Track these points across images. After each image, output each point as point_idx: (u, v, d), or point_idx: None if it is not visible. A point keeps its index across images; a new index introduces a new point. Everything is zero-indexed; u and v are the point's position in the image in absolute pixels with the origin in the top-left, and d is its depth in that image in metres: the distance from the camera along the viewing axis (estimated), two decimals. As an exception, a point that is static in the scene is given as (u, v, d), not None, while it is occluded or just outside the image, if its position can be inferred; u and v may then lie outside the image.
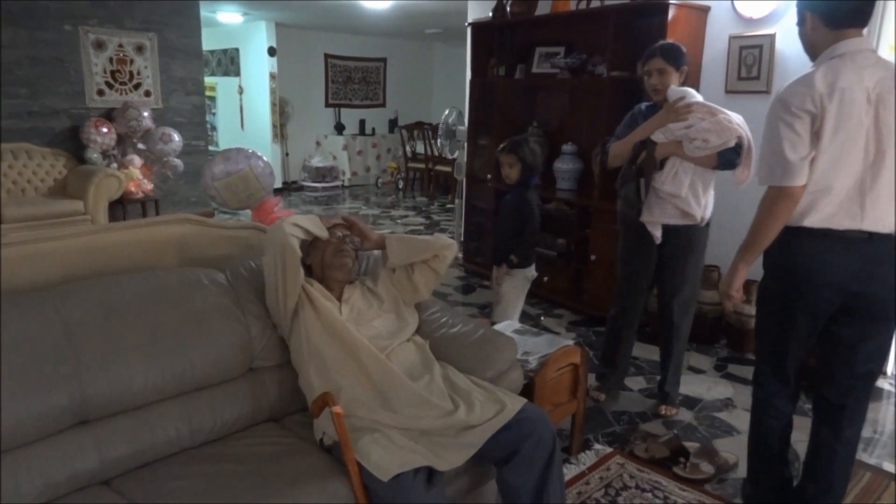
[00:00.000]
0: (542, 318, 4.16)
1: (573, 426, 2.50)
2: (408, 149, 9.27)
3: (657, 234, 2.68)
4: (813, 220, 1.82)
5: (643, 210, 2.66)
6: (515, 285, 3.00)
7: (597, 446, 2.58)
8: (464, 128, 5.33)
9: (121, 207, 5.85)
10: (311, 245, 2.02)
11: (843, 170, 1.77)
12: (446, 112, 5.72)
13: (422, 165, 9.13)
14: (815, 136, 1.76)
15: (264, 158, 3.44)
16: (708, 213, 2.68)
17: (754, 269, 3.19)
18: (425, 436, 1.70)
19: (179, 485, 1.62)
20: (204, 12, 7.09)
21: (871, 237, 1.81)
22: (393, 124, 10.33)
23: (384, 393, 1.80)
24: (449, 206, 8.14)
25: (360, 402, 1.79)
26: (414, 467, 1.57)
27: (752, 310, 3.52)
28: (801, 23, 1.90)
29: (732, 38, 3.64)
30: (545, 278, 4.43)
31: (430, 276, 2.11)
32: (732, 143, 2.50)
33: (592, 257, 4.07)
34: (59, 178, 5.64)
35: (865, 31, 1.84)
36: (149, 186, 6.12)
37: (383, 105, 10.55)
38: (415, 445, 1.66)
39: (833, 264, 1.82)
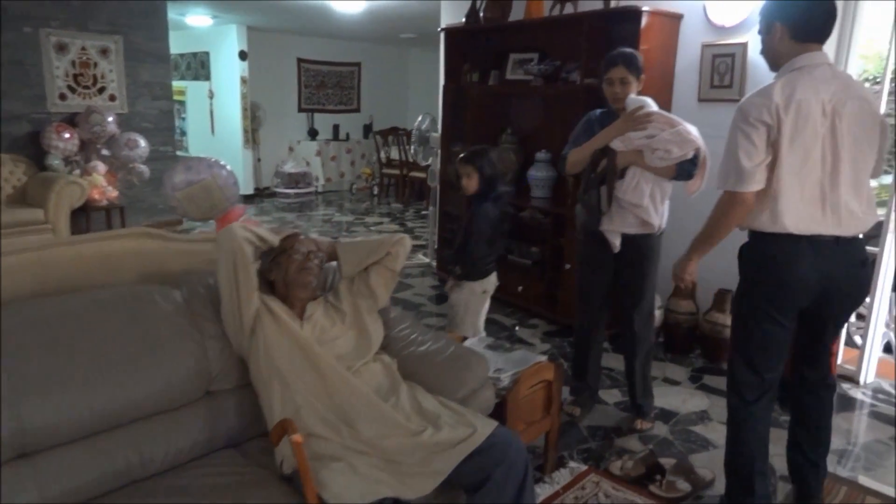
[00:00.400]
0: (517, 328, 4.10)
1: (547, 444, 2.43)
2: (382, 154, 9.18)
3: (616, 242, 2.67)
4: (781, 226, 1.90)
5: (603, 219, 2.66)
6: (462, 298, 2.89)
7: (571, 464, 2.51)
8: (437, 134, 5.26)
9: (84, 215, 5.67)
10: (273, 261, 1.93)
11: (803, 177, 1.87)
12: (419, 118, 5.65)
13: (396, 171, 9.04)
14: (773, 145, 1.86)
15: (228, 167, 3.32)
16: (664, 223, 2.70)
17: (729, 279, 3.16)
18: (391, 463, 1.62)
19: (126, 522, 1.51)
20: (172, 15, 6.93)
21: (838, 240, 1.92)
22: (368, 130, 10.23)
23: (347, 411, 1.71)
24: (424, 212, 8.06)
25: (322, 421, 1.70)
26: (377, 498, 1.48)
27: (726, 319, 3.50)
28: (768, 32, 1.98)
29: (705, 46, 3.63)
30: (520, 287, 4.38)
31: (388, 277, 2.05)
32: (691, 155, 2.53)
33: (567, 266, 4.02)
34: (18, 185, 5.44)
35: (832, 46, 1.93)
36: (114, 194, 5.94)
37: (358, 110, 10.44)
38: (379, 474, 1.58)
39: (804, 266, 1.91)
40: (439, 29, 5.09)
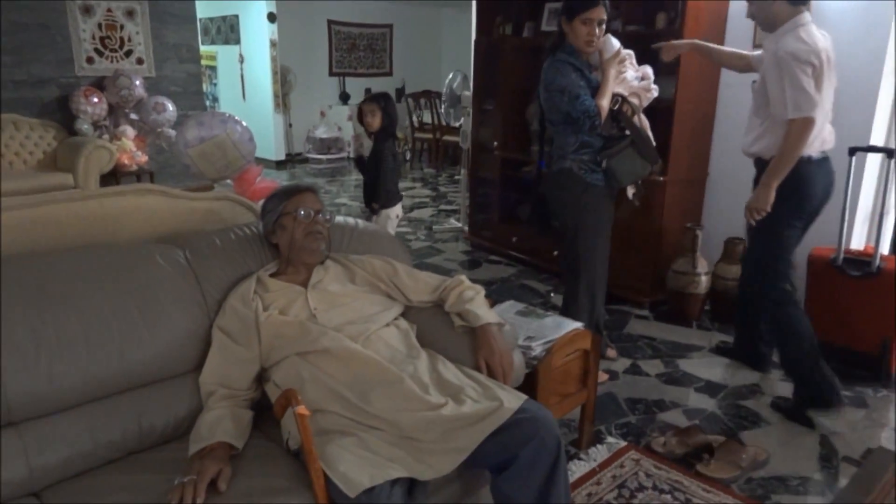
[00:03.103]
0: (552, 294, 3.89)
1: (582, 418, 2.24)
2: (414, 118, 8.95)
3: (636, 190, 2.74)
4: (814, 147, 2.38)
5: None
6: (385, 223, 3.31)
7: (609, 439, 2.32)
8: (469, 93, 5.01)
9: (114, 180, 5.63)
10: (276, 223, 1.77)
11: (824, 108, 2.36)
12: (450, 76, 5.39)
13: (429, 136, 8.81)
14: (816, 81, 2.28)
15: (243, 123, 3.15)
16: None
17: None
18: (406, 440, 1.45)
19: (121, 498, 1.38)
20: (198, -25, 6.76)
21: (827, 157, 2.47)
22: (400, 93, 9.97)
23: (358, 382, 1.54)
24: (457, 177, 7.84)
25: (329, 394, 1.53)
26: (389, 478, 1.32)
27: (780, 286, 3.23)
28: None
29: (763, -15, 3.29)
30: (555, 252, 4.16)
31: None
32: None
33: (606, 230, 3.77)
34: (48, 150, 5.42)
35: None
36: (143, 158, 5.88)
37: (390, 73, 10.19)
38: (393, 451, 1.42)
39: (823, 180, 2.43)
40: (471, -21, 4.80)
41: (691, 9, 3.28)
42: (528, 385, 1.92)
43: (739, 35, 3.42)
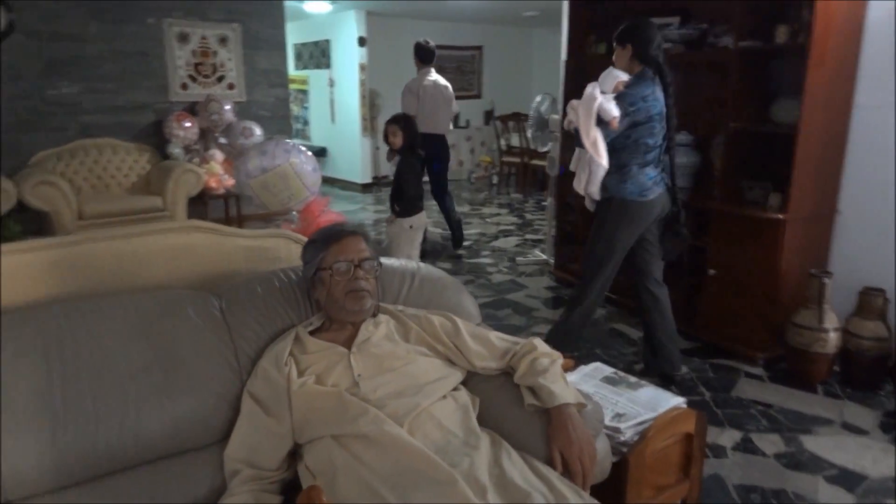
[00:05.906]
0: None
1: (683, 514, 1.85)
2: (502, 142, 8.68)
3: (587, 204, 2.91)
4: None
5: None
6: (395, 231, 3.61)
7: (717, 541, 1.91)
8: (557, 117, 4.68)
9: (201, 203, 5.72)
10: (315, 277, 1.53)
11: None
12: (538, 99, 5.10)
13: (517, 159, 8.50)
14: None
15: (307, 152, 2.99)
16: (593, 191, 2.76)
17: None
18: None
19: None
20: (290, 2, 6.86)
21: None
22: (489, 116, 9.76)
23: (399, 477, 1.24)
24: (544, 203, 7.47)
25: (365, 490, 1.25)
26: None
27: (933, 349, 2.67)
28: None
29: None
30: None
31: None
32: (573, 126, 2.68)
33: (711, 272, 3.32)
34: (142, 173, 5.58)
35: None
36: (230, 182, 5.94)
37: (478, 96, 10.00)
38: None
39: None
40: (563, -4, 4.50)
41: (820, 18, 2.79)
42: (616, 476, 1.57)
43: (880, 48, 2.91)
